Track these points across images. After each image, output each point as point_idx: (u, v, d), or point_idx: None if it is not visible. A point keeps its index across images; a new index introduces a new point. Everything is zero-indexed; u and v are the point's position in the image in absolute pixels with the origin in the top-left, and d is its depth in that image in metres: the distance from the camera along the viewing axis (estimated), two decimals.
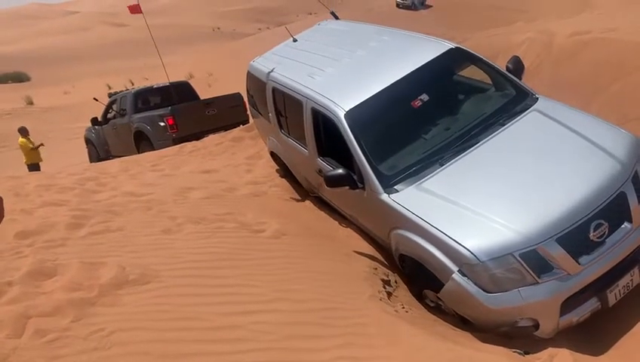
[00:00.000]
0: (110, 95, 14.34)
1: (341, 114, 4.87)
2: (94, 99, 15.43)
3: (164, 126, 11.30)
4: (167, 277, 4.03)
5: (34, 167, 13.27)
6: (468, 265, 3.72)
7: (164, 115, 11.37)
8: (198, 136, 11.03)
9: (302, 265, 4.55)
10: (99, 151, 13.98)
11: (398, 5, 47.33)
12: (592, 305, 3.75)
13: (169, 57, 44.36)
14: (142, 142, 11.99)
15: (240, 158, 8.88)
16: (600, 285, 3.75)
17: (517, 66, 5.13)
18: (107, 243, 4.64)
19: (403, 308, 4.23)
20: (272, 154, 7.25)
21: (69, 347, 3.14)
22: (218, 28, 66.80)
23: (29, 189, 6.56)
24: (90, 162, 14.03)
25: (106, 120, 13.64)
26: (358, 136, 4.74)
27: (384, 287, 4.47)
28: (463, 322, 4.09)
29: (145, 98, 13.29)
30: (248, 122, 11.79)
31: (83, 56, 53.41)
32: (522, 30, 9.43)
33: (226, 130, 11.19)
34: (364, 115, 4.87)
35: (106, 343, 3.21)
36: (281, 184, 7.20)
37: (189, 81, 16.42)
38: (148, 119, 11.84)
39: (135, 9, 14.46)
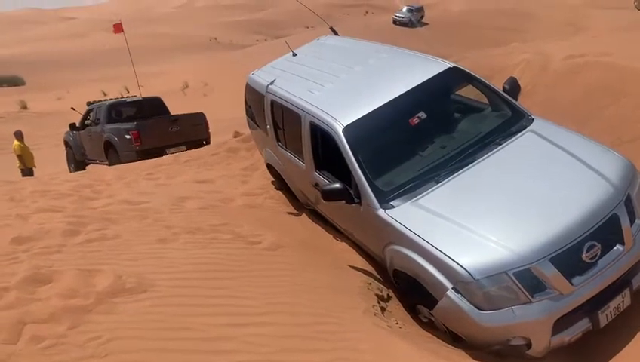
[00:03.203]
0: (88, 104, 15.33)
1: (339, 129, 4.92)
2: (72, 108, 16.44)
3: (129, 138, 12.25)
4: (163, 286, 4.04)
5: (27, 171, 13.22)
6: (462, 283, 3.75)
7: (130, 128, 12.35)
8: (160, 151, 12.01)
9: (297, 278, 4.58)
10: (75, 153, 14.97)
11: (394, 22, 47.87)
12: (583, 325, 3.79)
13: (166, 66, 44.40)
14: (109, 150, 12.96)
15: (235, 169, 8.90)
16: (592, 306, 3.79)
17: (513, 87, 5.20)
18: (103, 251, 4.64)
19: (397, 323, 4.26)
20: (269, 166, 7.29)
21: (65, 354, 3.15)
22: (215, 38, 66.96)
23: (25, 194, 6.54)
24: (68, 163, 15.28)
25: (83, 126, 14.52)
26: (355, 151, 4.78)
27: (378, 302, 4.50)
28: (455, 339, 4.11)
29: (118, 110, 14.18)
30: (209, 141, 13.11)
31: (79, 62, 53.37)
32: (518, 51, 9.56)
33: (187, 146, 12.31)
34: (362, 131, 4.91)
35: (101, 351, 3.22)
36: (276, 196, 7.23)
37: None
38: (116, 131, 12.81)
39: (118, 28, 16.37)
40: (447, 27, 42.16)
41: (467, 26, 41.50)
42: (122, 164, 10.68)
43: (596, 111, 6.35)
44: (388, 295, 4.75)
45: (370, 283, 4.77)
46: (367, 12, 73.37)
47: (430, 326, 4.36)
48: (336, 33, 7.44)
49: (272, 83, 6.32)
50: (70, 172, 13.99)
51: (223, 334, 3.55)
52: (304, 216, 6.47)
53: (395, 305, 4.63)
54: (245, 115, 7.65)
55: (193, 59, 45.85)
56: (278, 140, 6.44)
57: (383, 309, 4.43)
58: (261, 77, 6.78)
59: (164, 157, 10.52)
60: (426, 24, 46.78)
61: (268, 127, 6.57)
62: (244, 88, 7.33)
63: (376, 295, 4.61)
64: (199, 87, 29.59)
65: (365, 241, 5.16)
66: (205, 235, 5.24)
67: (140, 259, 4.52)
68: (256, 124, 7.26)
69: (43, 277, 4.01)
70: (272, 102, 6.27)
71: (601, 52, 7.68)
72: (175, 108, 17.60)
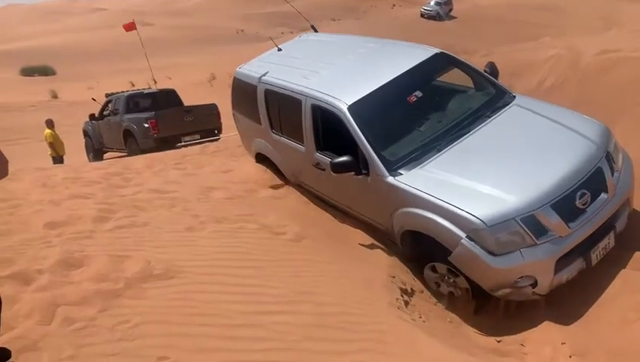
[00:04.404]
0: (107, 95, 15.99)
1: (344, 107, 5.22)
2: (93, 99, 17.18)
3: (147, 127, 13.07)
4: (191, 273, 4.12)
5: (58, 159, 13.52)
6: (476, 231, 4.14)
7: (149, 118, 13.20)
8: (176, 139, 13.15)
9: (322, 269, 4.63)
10: (94, 142, 15.63)
11: (422, 15, 47.38)
12: (579, 264, 4.29)
13: (193, 57, 44.70)
14: (129, 138, 13.72)
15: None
16: (584, 247, 4.30)
17: (493, 70, 5.75)
18: (133, 238, 4.74)
19: (420, 317, 4.29)
20: (258, 155, 7.40)
21: (95, 336, 3.25)
22: (242, 30, 67.19)
23: (57, 181, 6.69)
24: (87, 152, 15.94)
25: (102, 116, 15.18)
26: (361, 126, 5.07)
27: (402, 296, 4.52)
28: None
29: (135, 101, 14.87)
30: (221, 130, 13.99)
31: (108, 53, 54.04)
32: (549, 46, 9.40)
33: (200, 135, 13.47)
34: (365, 109, 5.23)
35: (130, 334, 3.30)
36: (300, 188, 7.26)
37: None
38: (135, 120, 13.57)
39: (130, 27, 17.34)
40: (475, 21, 41.54)
41: (496, 20, 40.85)
42: (150, 154, 10.84)
43: (628, 107, 6.24)
44: (412, 288, 4.76)
45: (394, 277, 4.78)
46: (394, 5, 72.69)
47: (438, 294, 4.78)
48: (316, 30, 7.80)
49: (264, 74, 6.53)
50: (89, 160, 14.51)
51: (250, 321, 3.61)
52: (328, 208, 6.48)
53: (418, 300, 4.64)
54: (232, 108, 7.77)
55: (220, 50, 46.07)
56: (272, 128, 6.59)
57: (406, 303, 4.45)
58: (251, 70, 6.99)
59: (191, 147, 10.66)
60: (455, 17, 46.21)
61: (261, 116, 6.69)
62: (232, 82, 7.47)
63: (400, 288, 4.63)
64: (225, 79, 29.71)
65: (369, 212, 5.40)
66: (232, 225, 5.31)
67: (168, 247, 4.62)
68: (245, 115, 7.36)
69: (75, 261, 4.12)
70: (266, 92, 6.44)
71: (635, 47, 7.51)
72: (202, 98, 17.82)
